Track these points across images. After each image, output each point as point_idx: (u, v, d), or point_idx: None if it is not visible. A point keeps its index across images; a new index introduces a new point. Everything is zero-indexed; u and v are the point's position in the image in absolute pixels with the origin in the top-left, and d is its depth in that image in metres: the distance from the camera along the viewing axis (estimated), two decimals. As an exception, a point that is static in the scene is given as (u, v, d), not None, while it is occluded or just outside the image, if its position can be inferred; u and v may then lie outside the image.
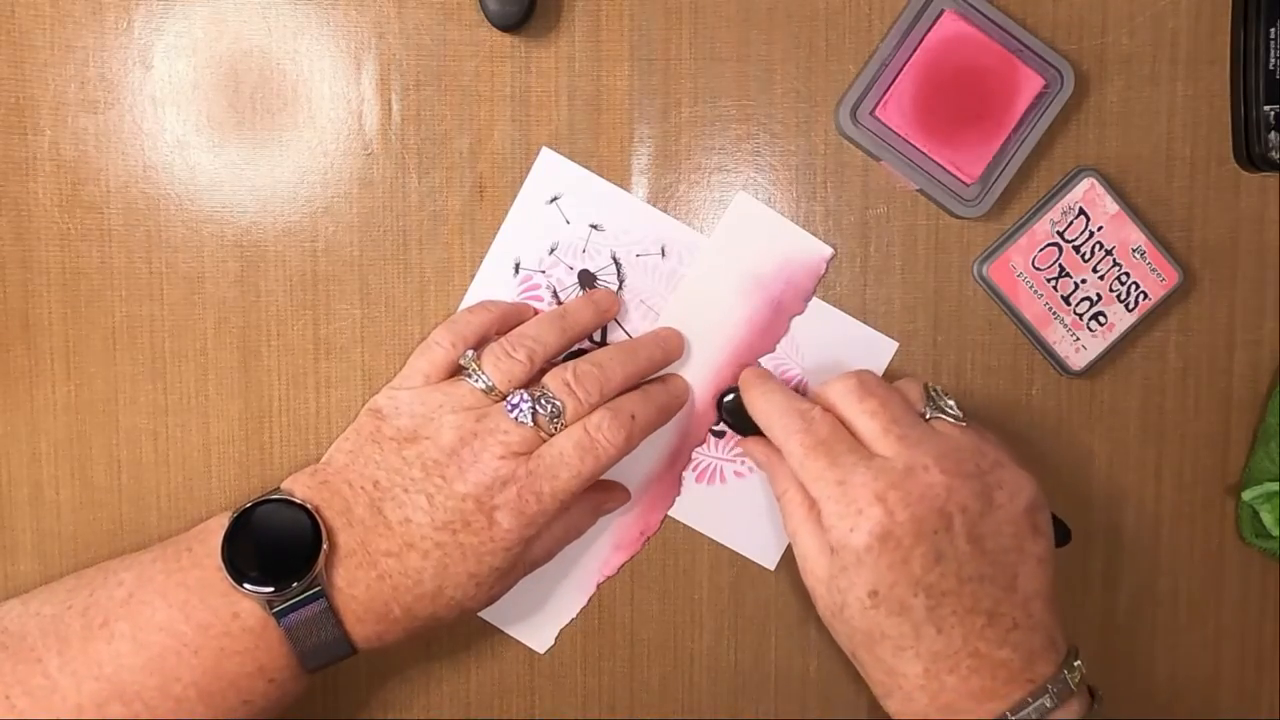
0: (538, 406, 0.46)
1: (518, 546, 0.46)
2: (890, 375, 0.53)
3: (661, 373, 0.52)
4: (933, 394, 0.47)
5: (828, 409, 0.46)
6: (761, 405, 0.48)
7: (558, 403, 0.46)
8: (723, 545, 0.53)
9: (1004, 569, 0.44)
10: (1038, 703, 0.42)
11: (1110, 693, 0.54)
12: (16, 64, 0.50)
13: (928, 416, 0.46)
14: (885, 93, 0.50)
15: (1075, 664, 0.44)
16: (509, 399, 0.46)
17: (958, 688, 0.43)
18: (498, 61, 0.51)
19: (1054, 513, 0.47)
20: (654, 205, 0.52)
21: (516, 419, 0.45)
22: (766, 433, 0.48)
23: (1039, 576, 0.44)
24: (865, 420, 0.45)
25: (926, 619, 0.42)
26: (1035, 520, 0.45)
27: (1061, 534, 0.49)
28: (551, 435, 0.46)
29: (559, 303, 0.52)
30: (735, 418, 0.51)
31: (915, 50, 0.50)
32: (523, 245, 0.52)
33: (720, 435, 0.53)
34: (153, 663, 0.43)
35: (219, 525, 0.45)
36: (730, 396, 0.51)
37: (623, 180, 0.52)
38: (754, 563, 0.53)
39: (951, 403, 0.47)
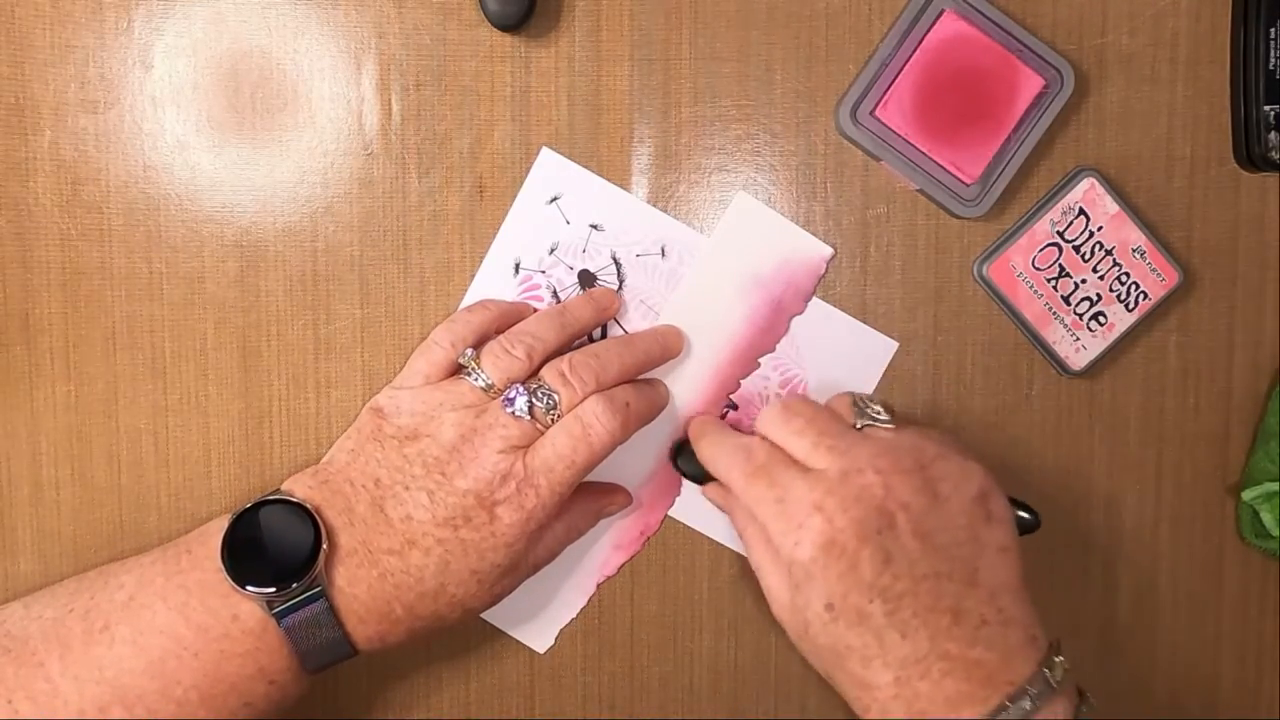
0: (534, 399, 0.46)
1: (520, 543, 0.46)
2: (890, 375, 0.53)
3: (650, 374, 0.52)
4: (859, 403, 0.47)
5: (764, 439, 0.46)
6: (708, 450, 0.48)
7: (554, 394, 0.46)
8: (723, 545, 0.53)
9: (961, 563, 0.43)
10: (1017, 705, 0.41)
11: (1110, 693, 0.54)
12: (16, 64, 0.50)
13: (859, 426, 0.46)
14: (885, 93, 0.50)
15: (1057, 660, 0.43)
16: (505, 394, 0.46)
17: (931, 694, 0.41)
18: (498, 61, 0.51)
19: (1018, 499, 0.46)
20: (654, 205, 0.52)
21: (514, 413, 0.45)
22: (715, 474, 0.48)
23: (1002, 567, 0.43)
24: (795, 440, 0.45)
25: (887, 624, 0.41)
26: (988, 508, 0.44)
27: (1029, 521, 0.47)
28: (549, 427, 0.46)
29: (559, 303, 0.52)
30: (690, 466, 0.51)
31: (915, 50, 0.50)
32: (523, 245, 0.52)
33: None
34: (153, 666, 0.43)
35: (219, 527, 0.45)
36: (682, 447, 0.51)
37: (623, 180, 0.52)
38: (754, 563, 0.54)
39: (878, 408, 0.46)
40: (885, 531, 0.42)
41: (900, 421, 0.46)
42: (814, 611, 0.42)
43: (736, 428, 0.53)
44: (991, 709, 0.41)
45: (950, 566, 0.42)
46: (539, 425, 0.46)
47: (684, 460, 0.51)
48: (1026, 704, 0.41)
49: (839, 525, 0.42)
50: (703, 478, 0.50)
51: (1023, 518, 0.47)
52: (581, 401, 0.46)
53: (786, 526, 0.43)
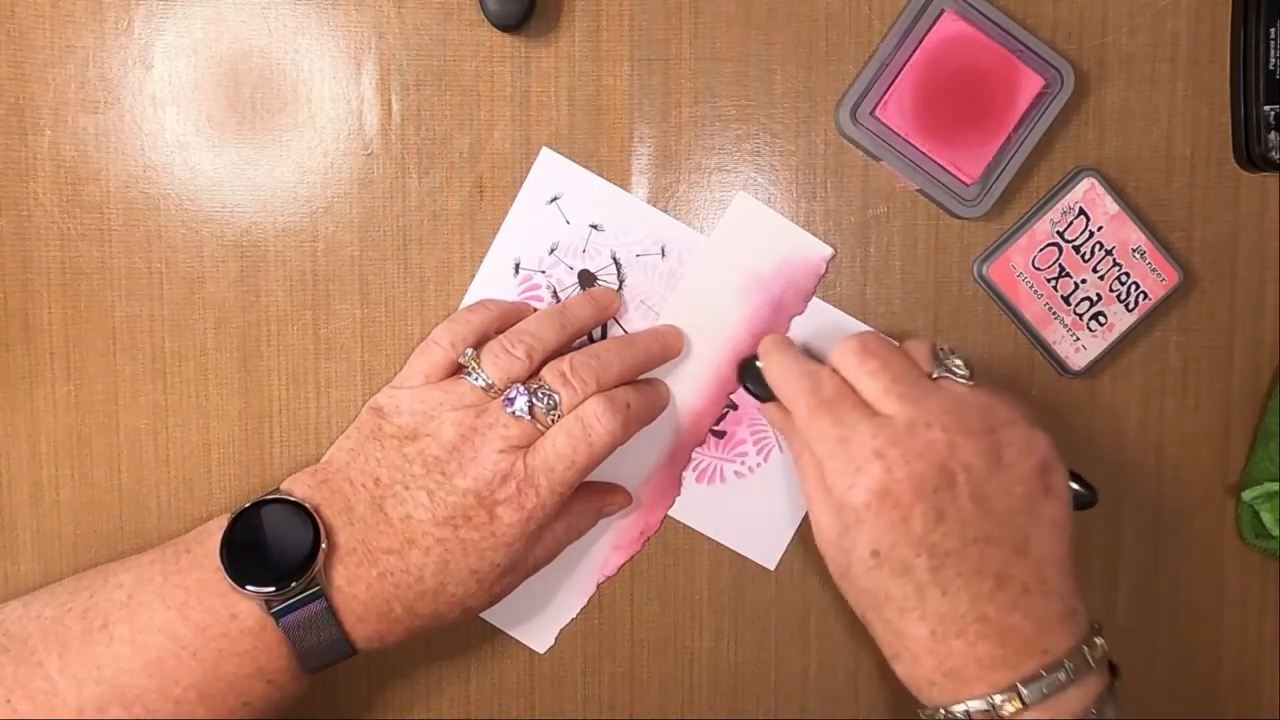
0: (534, 399, 0.46)
1: (519, 542, 0.46)
2: (890, 375, 0.53)
3: (650, 374, 0.52)
4: (940, 353, 0.46)
5: (835, 372, 0.46)
6: (775, 371, 0.48)
7: (554, 395, 0.46)
8: (723, 545, 0.53)
9: (1013, 530, 0.42)
10: (1051, 676, 0.41)
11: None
12: (16, 64, 0.50)
13: (934, 376, 0.45)
14: (885, 93, 0.50)
15: (1097, 641, 0.43)
16: (506, 393, 0.46)
17: (965, 653, 0.41)
18: (498, 61, 0.51)
19: (1077, 473, 0.46)
20: (654, 205, 0.52)
21: (514, 413, 0.45)
22: (779, 396, 0.47)
23: (1052, 540, 0.43)
24: (867, 380, 0.44)
25: (930, 580, 0.42)
26: (1049, 481, 0.44)
27: (1085, 497, 0.47)
28: (549, 427, 0.46)
29: (559, 302, 0.52)
30: (754, 383, 0.50)
31: (915, 50, 0.50)
32: (523, 245, 0.52)
33: (720, 436, 0.53)
34: (152, 665, 0.43)
35: (218, 526, 0.45)
36: (749, 363, 0.51)
37: (623, 180, 0.52)
38: (754, 563, 0.53)
39: (959, 362, 0.45)
40: (943, 490, 0.42)
41: (978, 378, 0.45)
42: (859, 555, 0.42)
43: (736, 427, 0.53)
44: (1024, 675, 0.41)
45: (1002, 532, 0.42)
46: (539, 425, 0.46)
47: (749, 376, 0.50)
48: (1061, 676, 0.41)
49: (897, 476, 0.42)
50: (765, 396, 0.49)
51: (1080, 492, 0.46)
52: (582, 402, 0.46)
53: (844, 467, 0.43)
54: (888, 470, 0.42)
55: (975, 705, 0.41)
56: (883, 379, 0.44)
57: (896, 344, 0.47)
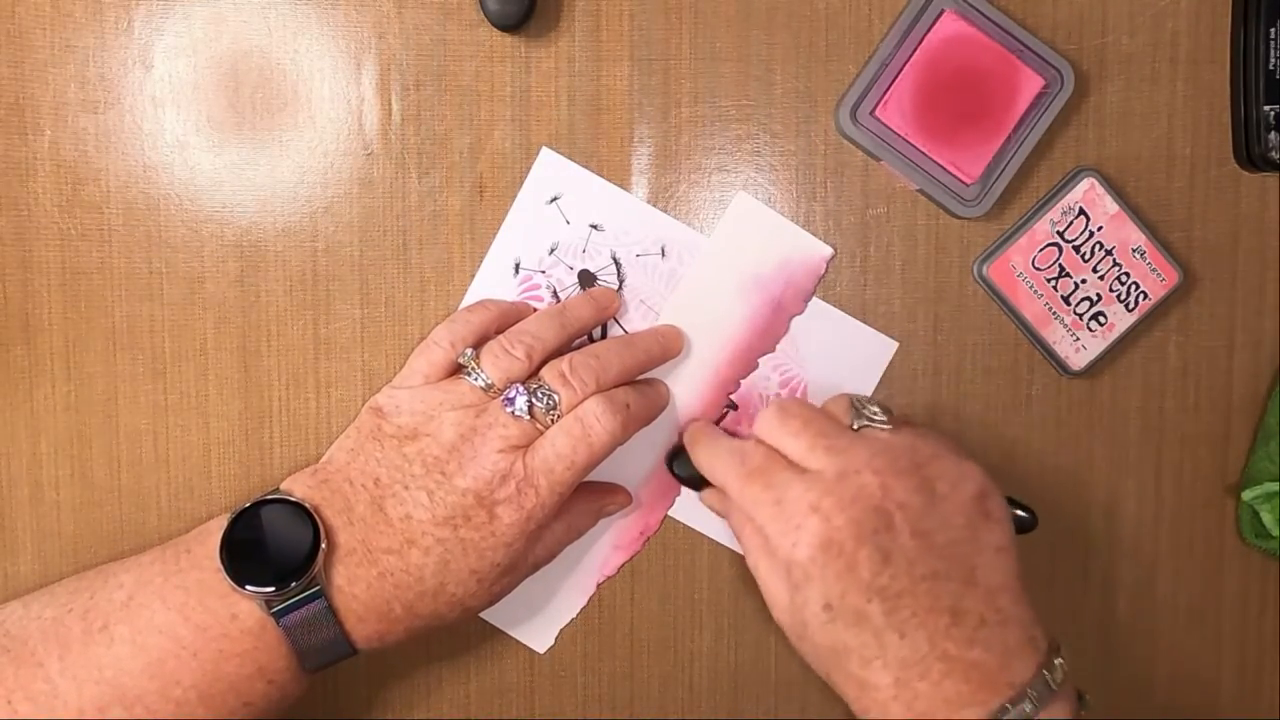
0: (534, 399, 0.46)
1: (519, 542, 0.46)
2: (890, 375, 0.53)
3: (650, 374, 0.52)
4: (856, 404, 0.46)
5: (760, 442, 0.46)
6: (703, 455, 0.48)
7: (554, 395, 0.46)
8: (723, 545, 0.53)
9: (959, 562, 0.42)
10: (1017, 708, 0.41)
11: (1110, 693, 0.54)
12: (16, 64, 0.50)
13: (856, 427, 0.45)
14: (885, 93, 0.50)
15: (1056, 662, 0.42)
16: (505, 393, 0.46)
17: (931, 694, 0.41)
18: (498, 61, 0.51)
19: (1015, 498, 0.46)
20: (654, 205, 0.52)
21: (513, 413, 0.45)
22: (712, 480, 0.48)
23: (999, 567, 0.43)
24: (791, 441, 0.45)
25: (886, 625, 0.41)
26: (986, 507, 0.44)
27: (1026, 521, 0.47)
28: (549, 427, 0.46)
29: (559, 302, 0.52)
30: (685, 471, 0.51)
31: (915, 50, 0.50)
32: (523, 245, 0.52)
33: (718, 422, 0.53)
34: (152, 666, 0.43)
35: (218, 526, 0.45)
36: (678, 452, 0.51)
37: (623, 180, 0.52)
38: (754, 563, 0.53)
39: (875, 409, 0.46)
40: (883, 531, 0.42)
41: (897, 421, 0.46)
42: (812, 612, 0.42)
43: (736, 429, 0.53)
44: (991, 711, 0.41)
45: (948, 566, 0.42)
46: (539, 425, 0.46)
47: (680, 466, 0.51)
48: (1027, 706, 0.41)
49: (836, 525, 0.42)
50: (699, 483, 0.50)
51: (1020, 517, 0.46)
52: (582, 402, 0.46)
53: (784, 527, 0.43)
54: (826, 520, 0.42)
55: None
56: (805, 437, 0.44)
57: (815, 405, 0.47)
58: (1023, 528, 0.46)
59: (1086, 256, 0.52)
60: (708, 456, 0.48)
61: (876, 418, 0.45)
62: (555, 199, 0.51)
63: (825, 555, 0.42)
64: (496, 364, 0.47)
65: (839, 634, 0.42)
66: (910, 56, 0.50)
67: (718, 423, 0.53)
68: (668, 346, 0.51)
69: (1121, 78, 0.52)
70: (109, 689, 0.43)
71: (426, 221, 0.51)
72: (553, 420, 0.46)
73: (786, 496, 0.43)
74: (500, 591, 0.47)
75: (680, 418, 0.53)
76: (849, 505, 0.42)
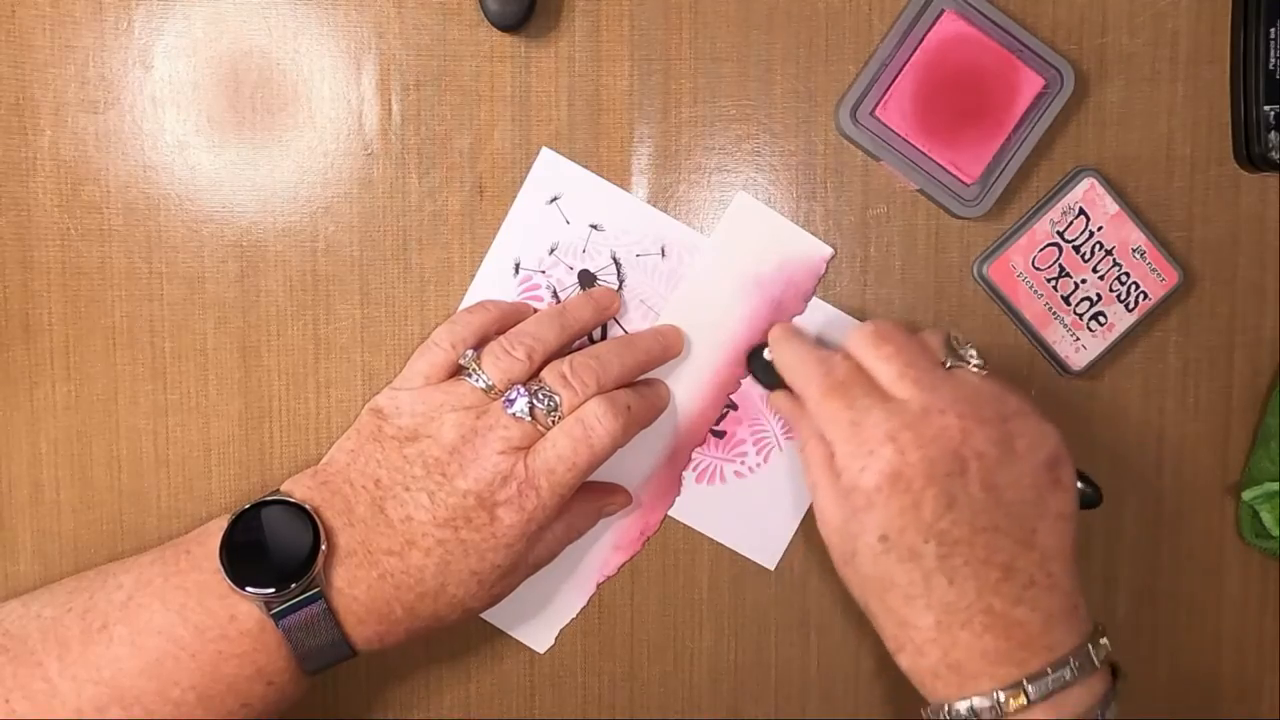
0: (535, 401, 0.46)
1: (520, 543, 0.46)
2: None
3: (650, 374, 0.52)
4: (954, 343, 0.46)
5: (848, 357, 0.46)
6: (788, 356, 0.48)
7: (555, 396, 0.46)
8: (723, 545, 0.53)
9: (1021, 522, 0.42)
10: (1057, 674, 0.41)
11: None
12: (16, 64, 0.50)
13: (948, 365, 0.45)
14: (885, 93, 0.50)
15: (1102, 641, 0.43)
16: (506, 395, 0.46)
17: (970, 645, 0.41)
18: (498, 61, 0.51)
19: (1085, 472, 0.46)
20: (654, 205, 0.52)
21: (514, 414, 0.45)
22: (790, 382, 0.47)
23: (1059, 534, 0.43)
24: (881, 365, 0.44)
25: (937, 568, 0.41)
26: (1057, 475, 0.44)
27: (1090, 496, 0.47)
28: (549, 428, 0.46)
29: (559, 303, 0.52)
30: (763, 373, 0.50)
31: (915, 50, 0.50)
32: (523, 245, 0.52)
33: (720, 436, 0.53)
34: (151, 666, 0.43)
35: (218, 528, 0.45)
36: (757, 352, 0.51)
37: (623, 180, 0.52)
38: (754, 563, 0.53)
39: (973, 351, 0.45)
40: (955, 476, 0.42)
41: (990, 370, 0.45)
42: (866, 541, 0.42)
43: (736, 429, 0.53)
44: (1029, 671, 0.41)
45: (1010, 523, 0.42)
46: (539, 427, 0.46)
47: (757, 363, 0.50)
48: (1066, 674, 0.41)
49: (910, 460, 0.42)
50: (774, 384, 0.49)
51: (1085, 491, 0.46)
52: (583, 404, 0.46)
53: (856, 450, 0.42)
54: (900, 453, 0.42)
55: (980, 702, 0.41)
56: (897, 364, 0.44)
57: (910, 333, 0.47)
58: (1087, 503, 0.46)
59: (1086, 256, 0.52)
60: (792, 359, 0.47)
61: (973, 359, 0.45)
62: (555, 199, 0.51)
63: (892, 488, 0.42)
64: (497, 365, 0.47)
65: (889, 567, 0.42)
66: (910, 56, 0.50)
67: (718, 423, 0.53)
68: (668, 346, 0.51)
69: (1121, 78, 0.52)
70: (107, 689, 0.43)
71: (426, 221, 0.51)
72: (554, 422, 0.46)
73: (865, 420, 0.43)
74: (500, 592, 0.47)
75: (680, 418, 0.53)
76: (927, 443, 0.42)
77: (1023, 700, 0.41)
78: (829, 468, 0.44)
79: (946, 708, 0.42)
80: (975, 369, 0.45)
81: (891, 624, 0.43)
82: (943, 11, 0.49)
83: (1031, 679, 0.41)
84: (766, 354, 0.50)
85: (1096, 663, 0.42)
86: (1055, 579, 0.42)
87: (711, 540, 0.53)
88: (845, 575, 0.45)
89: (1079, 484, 0.46)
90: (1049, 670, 0.41)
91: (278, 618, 0.43)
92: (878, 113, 0.50)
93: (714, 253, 0.52)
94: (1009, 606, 0.41)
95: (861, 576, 0.43)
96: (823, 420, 0.44)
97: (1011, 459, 0.43)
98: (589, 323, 0.50)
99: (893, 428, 0.42)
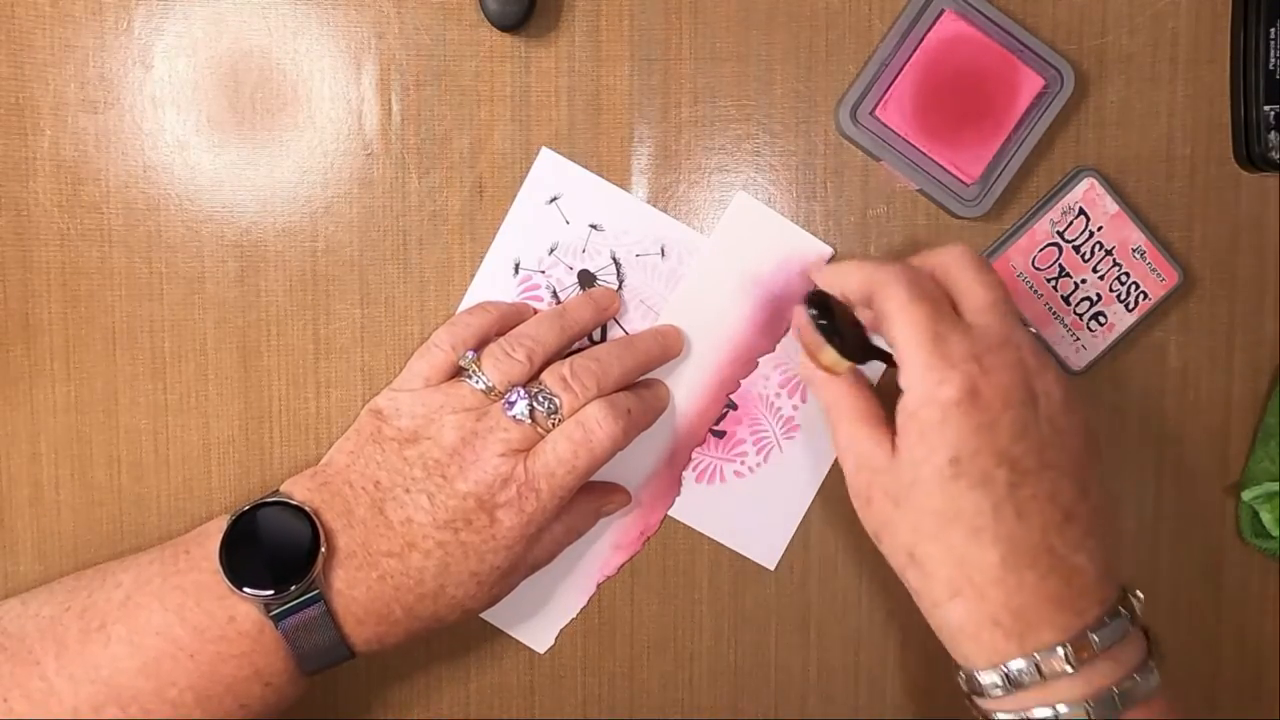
0: (535, 403, 0.46)
1: (519, 545, 0.46)
2: (890, 375, 0.53)
3: (651, 374, 0.52)
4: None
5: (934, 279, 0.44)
6: (868, 266, 0.44)
7: (555, 399, 0.46)
8: (723, 545, 0.53)
9: (1079, 469, 0.42)
10: (1114, 624, 0.40)
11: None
12: (16, 64, 0.50)
13: None
14: (885, 93, 0.50)
15: (1138, 593, 0.42)
16: (506, 397, 0.46)
17: (1036, 587, 0.40)
18: (498, 61, 0.51)
19: None
20: (654, 205, 0.52)
21: (514, 416, 0.45)
22: (874, 285, 0.43)
23: (1103, 495, 0.43)
24: (979, 289, 0.43)
25: (1007, 496, 0.40)
26: (1095, 447, 0.44)
27: None
28: (550, 431, 0.46)
29: (559, 303, 0.52)
30: (824, 312, 0.45)
31: (915, 50, 0.50)
32: (522, 245, 0.52)
33: (720, 436, 0.53)
34: (149, 666, 0.43)
35: (217, 528, 0.45)
36: (815, 293, 0.46)
37: (623, 180, 0.52)
38: (754, 563, 0.53)
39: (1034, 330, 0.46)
40: (1029, 405, 0.41)
41: None
42: (933, 465, 0.41)
43: (736, 428, 0.53)
44: (1089, 622, 0.40)
45: (1072, 466, 0.42)
46: (539, 429, 0.46)
47: (816, 299, 0.45)
48: (1119, 627, 0.40)
49: (991, 380, 0.41)
50: (832, 327, 0.44)
51: None
52: (583, 406, 0.46)
53: (938, 362, 0.41)
54: (984, 373, 0.41)
55: (1042, 657, 0.40)
56: (997, 290, 0.43)
57: None
58: None
59: (1086, 256, 0.52)
60: (872, 265, 0.44)
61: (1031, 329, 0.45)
62: (555, 199, 0.51)
63: (972, 404, 0.41)
64: (497, 367, 0.47)
65: (957, 495, 0.40)
66: (910, 57, 0.50)
67: (717, 423, 0.53)
68: (668, 347, 0.51)
69: (1121, 78, 0.52)
70: (105, 688, 0.43)
71: (426, 221, 0.51)
72: (554, 424, 0.46)
73: (950, 335, 0.42)
74: (500, 593, 0.47)
75: (680, 418, 0.53)
76: (1007, 369, 0.41)
77: (1090, 651, 0.39)
78: (866, 420, 0.43)
79: (1004, 670, 0.40)
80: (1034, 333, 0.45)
81: (949, 565, 0.41)
82: (943, 11, 0.49)
83: (1093, 628, 0.40)
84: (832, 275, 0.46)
85: (1140, 615, 0.42)
86: (1102, 533, 0.42)
87: (711, 540, 0.53)
88: (892, 521, 0.42)
89: None
90: (1106, 620, 0.40)
91: (277, 619, 0.43)
92: (878, 113, 0.50)
93: (714, 253, 0.52)
94: (1070, 551, 0.40)
95: (919, 513, 0.41)
96: (905, 320, 0.42)
97: (1070, 409, 0.43)
98: (589, 323, 0.50)
99: (977, 349, 0.41)
